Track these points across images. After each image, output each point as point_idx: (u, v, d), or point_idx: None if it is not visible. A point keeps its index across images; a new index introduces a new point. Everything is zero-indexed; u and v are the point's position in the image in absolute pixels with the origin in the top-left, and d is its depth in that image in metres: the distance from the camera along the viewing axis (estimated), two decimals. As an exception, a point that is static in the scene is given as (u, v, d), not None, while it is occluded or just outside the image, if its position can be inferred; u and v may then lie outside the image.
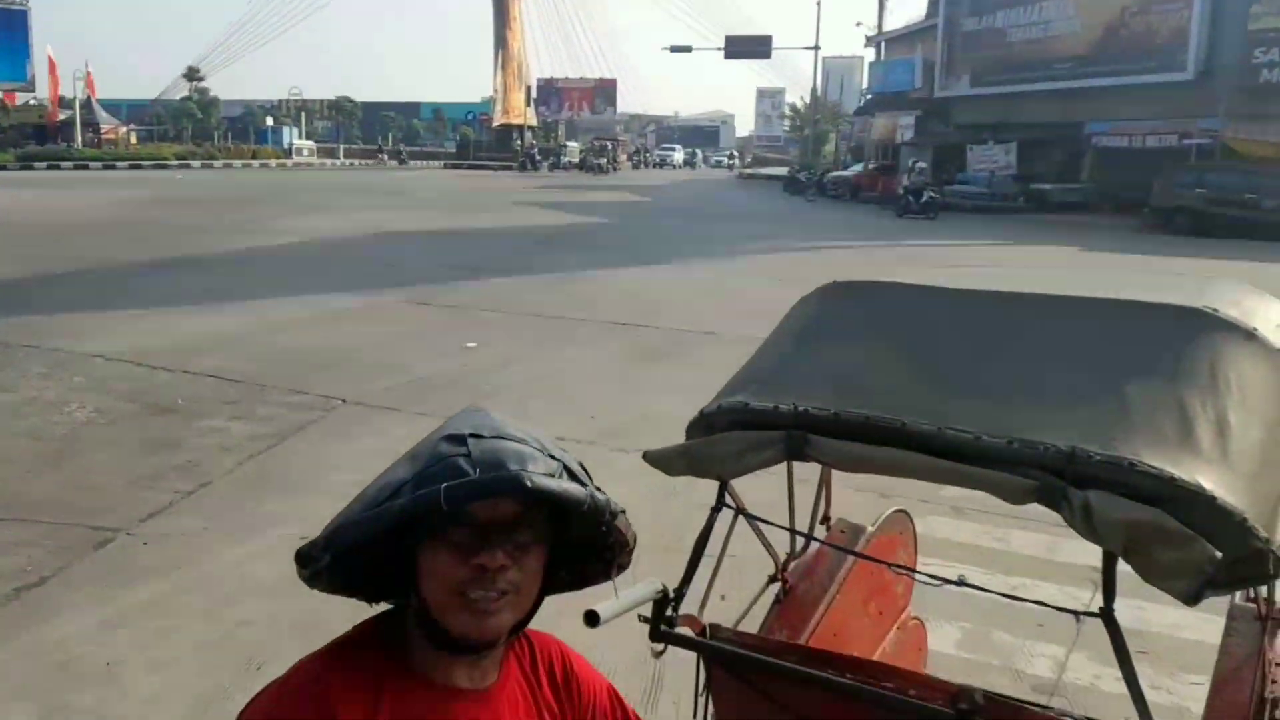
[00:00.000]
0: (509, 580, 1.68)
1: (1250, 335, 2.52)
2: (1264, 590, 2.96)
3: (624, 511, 1.83)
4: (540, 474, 1.64)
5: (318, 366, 11.46)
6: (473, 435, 1.68)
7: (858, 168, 51.80)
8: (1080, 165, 43.21)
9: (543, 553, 1.76)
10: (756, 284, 17.66)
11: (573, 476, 1.72)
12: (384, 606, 1.85)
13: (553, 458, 1.70)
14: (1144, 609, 5.51)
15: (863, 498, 3.48)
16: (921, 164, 40.32)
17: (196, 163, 55.07)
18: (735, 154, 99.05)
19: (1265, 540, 2.11)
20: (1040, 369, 2.51)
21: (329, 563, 1.68)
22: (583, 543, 1.86)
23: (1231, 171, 33.69)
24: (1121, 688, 2.19)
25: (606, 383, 10.80)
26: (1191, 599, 2.04)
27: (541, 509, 1.70)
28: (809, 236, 28.04)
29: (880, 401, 2.46)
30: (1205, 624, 2.87)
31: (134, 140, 66.37)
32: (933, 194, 36.91)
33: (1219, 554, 2.02)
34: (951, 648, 5.28)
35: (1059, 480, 2.15)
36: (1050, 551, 6.65)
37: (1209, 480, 2.13)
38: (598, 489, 1.75)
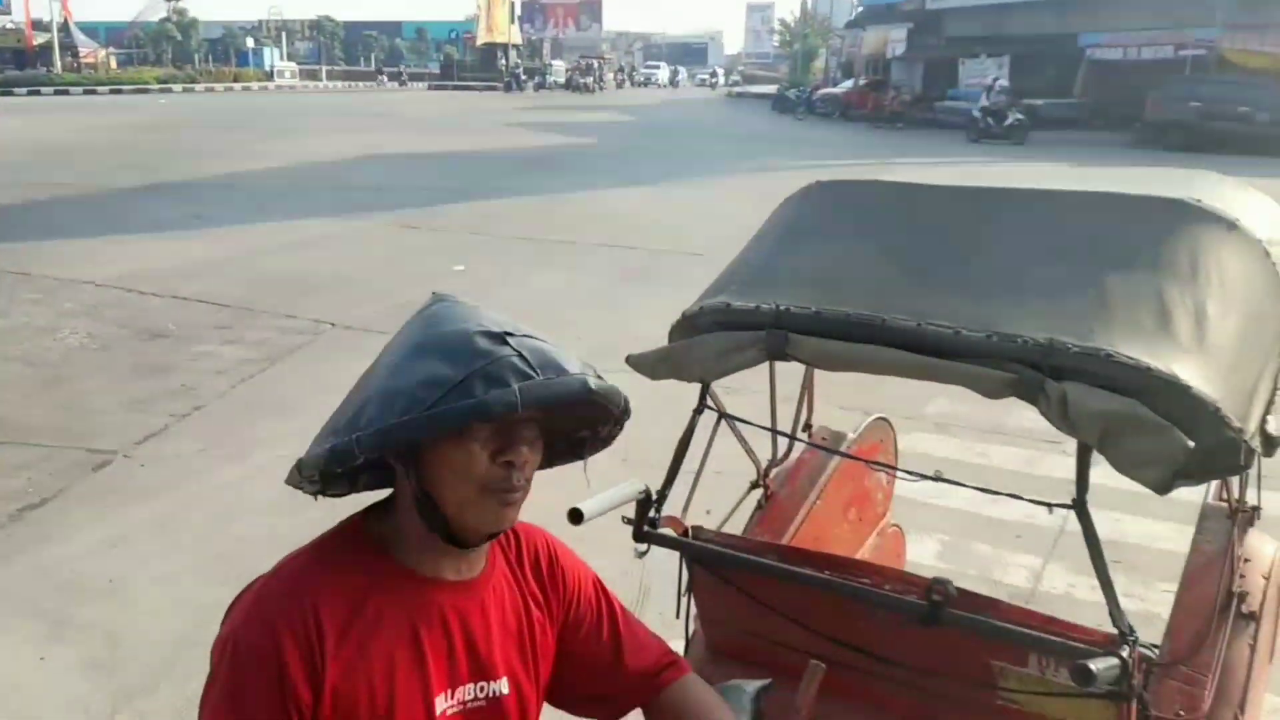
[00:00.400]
0: (526, 475, 1.71)
1: (1232, 226, 2.52)
2: (1235, 487, 2.99)
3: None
4: (593, 377, 1.68)
5: (306, 290, 11.52)
6: (507, 334, 1.66)
7: (847, 84, 51.00)
8: (1073, 80, 42.75)
9: (541, 445, 1.77)
10: (743, 204, 17.18)
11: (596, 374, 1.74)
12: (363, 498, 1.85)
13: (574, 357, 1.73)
14: (1121, 520, 5.68)
15: (846, 415, 3.56)
16: (1002, 81, 38.57)
17: (178, 87, 54.46)
18: (718, 71, 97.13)
19: (1238, 430, 2.14)
20: (1021, 263, 2.50)
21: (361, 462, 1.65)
22: (559, 428, 1.89)
23: (1226, 84, 33.29)
24: (1095, 595, 2.24)
25: (593, 304, 10.83)
26: (1163, 488, 2.08)
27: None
28: (796, 156, 27.91)
29: (861, 299, 2.45)
30: (1180, 534, 2.96)
31: (114, 64, 65.55)
32: (1019, 116, 34.63)
33: (1192, 444, 2.04)
34: (930, 558, 5.40)
35: (1036, 373, 2.16)
36: (1030, 465, 6.78)
37: (1185, 370, 2.13)
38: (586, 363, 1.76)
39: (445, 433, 1.61)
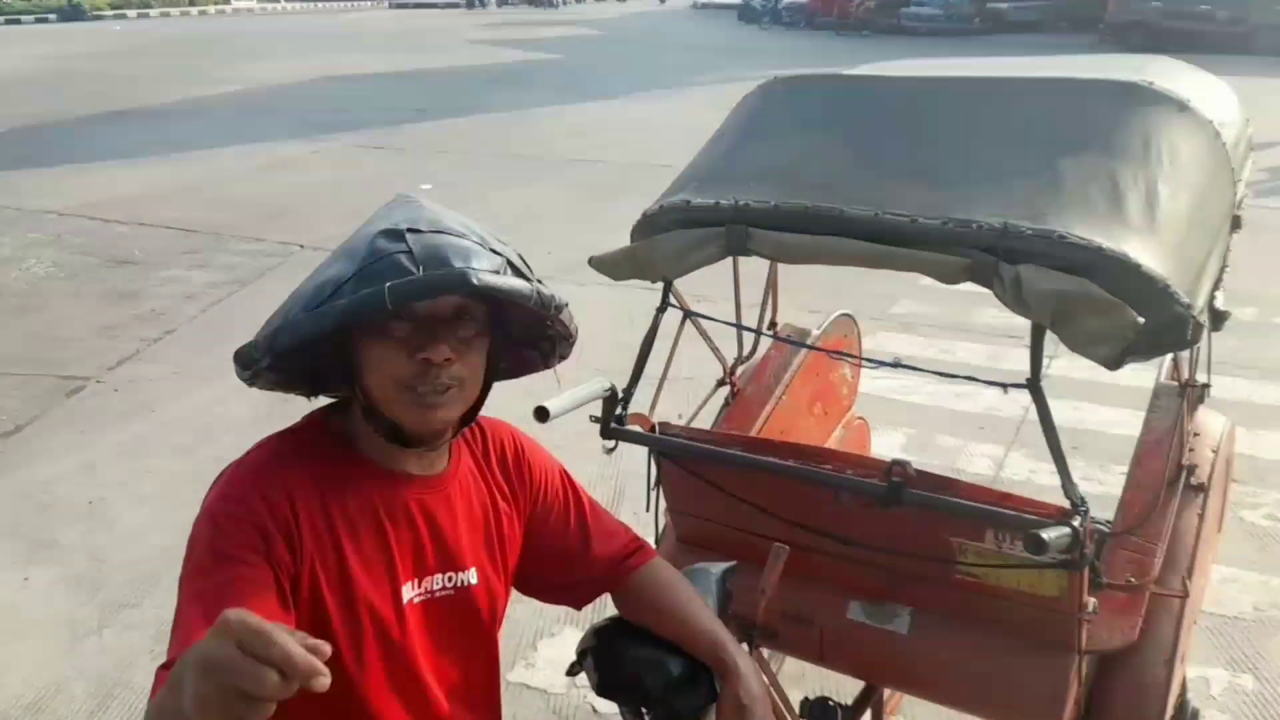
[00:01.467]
0: (452, 374, 1.70)
1: (1184, 107, 2.55)
2: (1185, 366, 3.05)
3: (567, 305, 1.84)
4: (485, 270, 1.63)
5: (273, 213, 11.46)
6: (411, 230, 1.67)
7: (813, -9, 50.47)
8: (1038, -18, 42.48)
9: (485, 344, 1.77)
10: (708, 115, 17.06)
11: (516, 271, 1.72)
12: (323, 401, 1.88)
13: (495, 252, 1.70)
14: (1079, 408, 5.80)
15: (813, 317, 3.61)
16: None
17: (132, 12, 53.53)
18: None
19: (1186, 306, 2.17)
20: (977, 150, 2.52)
21: (269, 363, 1.69)
22: (523, 331, 1.91)
23: (1187, -17, 33.37)
24: (1055, 479, 2.30)
25: (562, 219, 10.80)
26: (1114, 364, 2.12)
27: (483, 302, 1.72)
28: (761, 66, 27.57)
29: (819, 191, 2.46)
30: (1136, 420, 3.03)
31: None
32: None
33: (1141, 320, 2.08)
34: (896, 450, 5.48)
35: (991, 256, 2.19)
36: (993, 360, 6.90)
37: (1135, 248, 2.17)
38: (539, 282, 1.76)
39: (320, 334, 1.62)
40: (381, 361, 1.67)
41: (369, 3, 68.10)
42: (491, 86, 23.92)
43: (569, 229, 10.11)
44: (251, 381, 1.75)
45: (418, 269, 1.60)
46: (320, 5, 64.72)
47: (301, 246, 9.93)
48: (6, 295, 8.86)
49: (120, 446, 6.01)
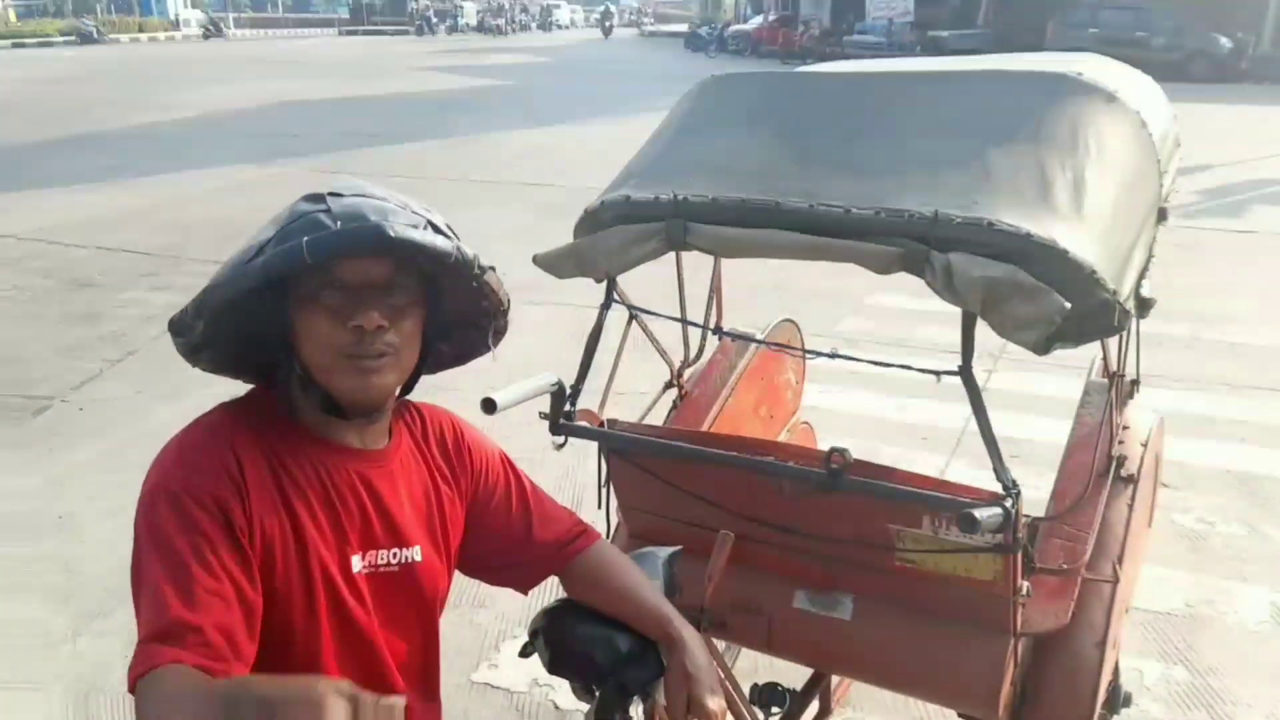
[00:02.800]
0: (386, 342, 1.70)
1: (1111, 98, 2.60)
2: (1114, 359, 3.12)
3: (494, 268, 1.83)
4: (402, 225, 1.64)
5: (230, 236, 11.17)
6: (332, 194, 1.69)
7: (758, 20, 50.75)
8: (977, 11, 42.79)
9: (419, 316, 1.78)
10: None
11: (437, 230, 1.73)
12: None
13: (415, 213, 1.72)
14: (1019, 419, 5.99)
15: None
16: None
17: (82, 39, 53.10)
18: (611, 10, 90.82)
19: (1113, 293, 2.23)
20: (910, 141, 2.55)
21: (204, 330, 1.70)
22: (459, 311, 1.92)
23: (1123, 10, 33.42)
24: (995, 486, 2.36)
25: (516, 240, 10.59)
26: (1041, 349, 2.20)
27: (414, 272, 1.74)
28: (711, 91, 27.71)
29: (756, 185, 2.50)
30: None
31: (13, 17, 63.62)
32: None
33: (1069, 305, 2.12)
34: (841, 459, 5.58)
35: (923, 245, 2.22)
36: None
37: (1063, 236, 2.21)
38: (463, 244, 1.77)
39: (245, 293, 1.63)
40: (315, 330, 1.69)
41: (319, 30, 67.73)
42: (444, 112, 23.92)
43: (522, 250, 9.86)
44: (193, 358, 1.79)
45: (335, 225, 1.62)
46: (271, 31, 64.29)
47: None
48: (-34, 319, 8.86)
49: (88, 463, 6.09)
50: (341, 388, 1.74)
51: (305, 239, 1.60)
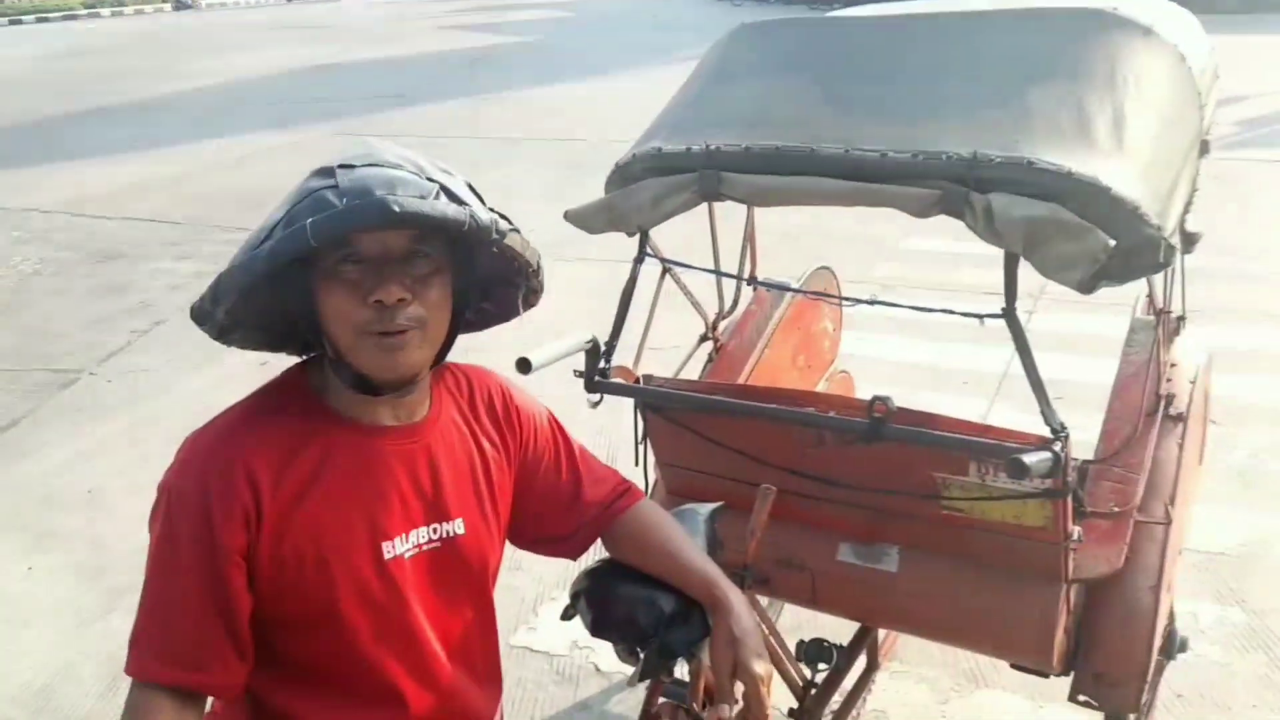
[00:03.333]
0: (409, 315, 1.65)
1: (1148, 32, 2.57)
2: (1160, 296, 3.08)
3: (517, 230, 1.76)
4: (409, 197, 1.57)
5: (256, 203, 11.23)
6: (342, 166, 1.63)
7: (784, -34, 50.13)
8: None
9: (445, 283, 1.72)
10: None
11: (452, 196, 1.65)
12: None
13: (430, 180, 1.64)
14: (1064, 360, 5.84)
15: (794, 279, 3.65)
16: None
17: (106, 11, 53.12)
18: None
19: (1157, 229, 2.22)
20: (945, 83, 2.55)
21: (224, 318, 1.66)
22: (494, 270, 1.85)
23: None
24: (1039, 428, 2.32)
25: (544, 196, 10.63)
26: (1086, 288, 2.17)
27: (438, 238, 1.67)
28: (736, 39, 27.54)
29: (789, 132, 2.49)
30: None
31: (38, -8, 63.85)
32: None
33: (1113, 243, 2.12)
34: (881, 406, 5.50)
35: (961, 187, 2.22)
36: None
37: (1105, 173, 2.20)
38: (492, 209, 1.71)
39: (259, 279, 1.58)
40: (338, 307, 1.64)
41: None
42: (467, 70, 23.79)
43: (549, 207, 9.89)
44: (223, 339, 1.74)
45: (341, 202, 1.56)
46: (291, -3, 64.26)
47: None
48: (-4, 292, 8.87)
49: (116, 436, 6.06)
50: (368, 366, 1.68)
51: (309, 221, 1.54)
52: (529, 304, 1.96)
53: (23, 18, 47.45)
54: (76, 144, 15.76)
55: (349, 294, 1.63)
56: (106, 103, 20.21)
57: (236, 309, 1.65)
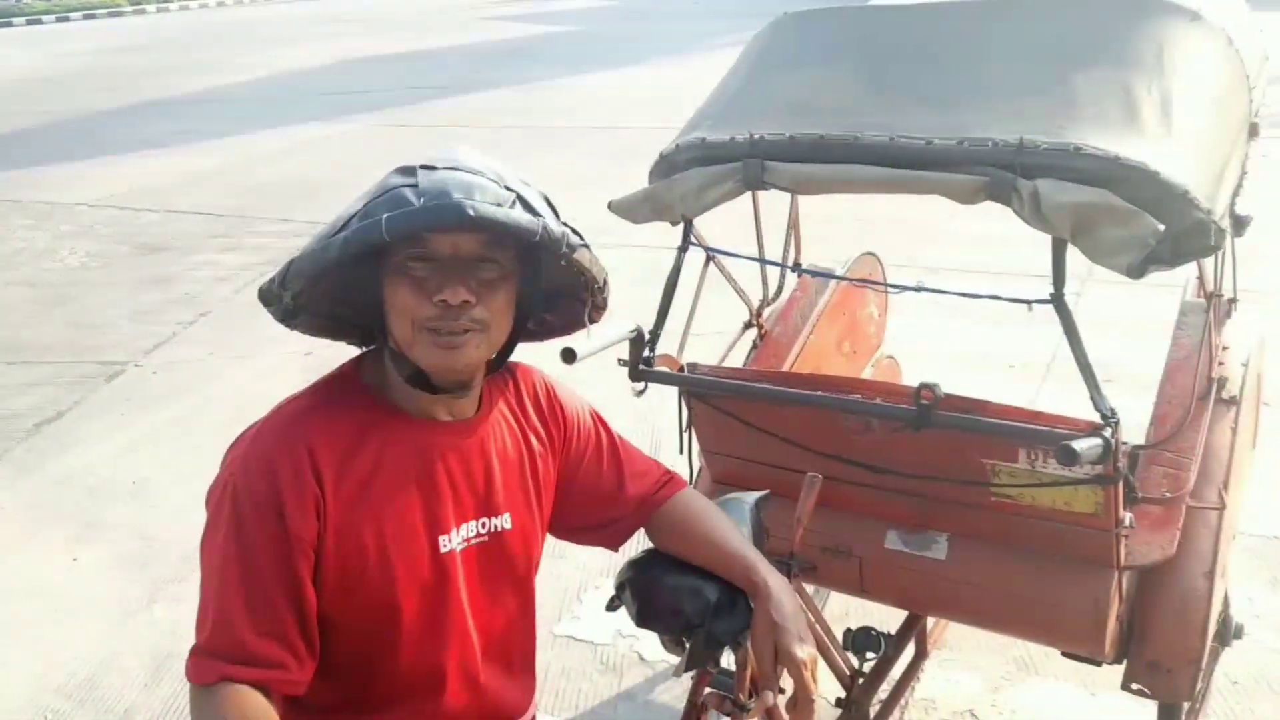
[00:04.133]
0: (473, 317, 1.68)
1: (1195, 16, 2.54)
2: (1210, 278, 3.05)
3: (588, 245, 1.80)
4: (485, 203, 1.60)
5: (300, 195, 11.46)
6: (424, 166, 1.66)
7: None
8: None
9: (512, 290, 1.75)
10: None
11: (527, 207, 1.68)
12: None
13: (508, 189, 1.67)
14: (1114, 342, 5.77)
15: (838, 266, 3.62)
16: None
17: (152, 7, 53.60)
18: None
19: (1207, 212, 2.20)
20: (989, 69, 2.54)
21: (290, 301, 1.69)
22: (561, 282, 1.89)
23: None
24: (1087, 412, 2.29)
25: (588, 183, 10.56)
26: (1136, 273, 2.14)
27: (508, 245, 1.70)
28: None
29: (834, 120, 2.48)
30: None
31: (85, -11, 64.48)
32: None
33: (1162, 227, 2.11)
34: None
35: (1008, 173, 2.21)
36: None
37: (1153, 157, 2.19)
38: (564, 223, 1.73)
39: (329, 268, 1.62)
40: (403, 302, 1.67)
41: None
42: (512, 60, 23.85)
43: (596, 194, 9.92)
44: (288, 322, 1.76)
45: (419, 201, 1.60)
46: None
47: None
48: (43, 286, 8.95)
49: (161, 428, 6.09)
50: (425, 361, 1.71)
51: (385, 216, 1.58)
52: (592, 319, 1.99)
53: (69, 14, 47.94)
54: (124, 138, 15.90)
55: (415, 290, 1.66)
56: (153, 97, 20.40)
57: (304, 294, 1.69)
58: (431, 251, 1.65)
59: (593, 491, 2.09)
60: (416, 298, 1.66)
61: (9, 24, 46.81)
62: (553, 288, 1.90)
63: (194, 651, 1.63)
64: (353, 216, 1.63)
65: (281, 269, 1.67)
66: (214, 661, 1.60)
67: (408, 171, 1.67)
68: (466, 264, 1.67)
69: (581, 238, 1.77)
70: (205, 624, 1.64)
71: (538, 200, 1.73)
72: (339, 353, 1.91)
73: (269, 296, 1.71)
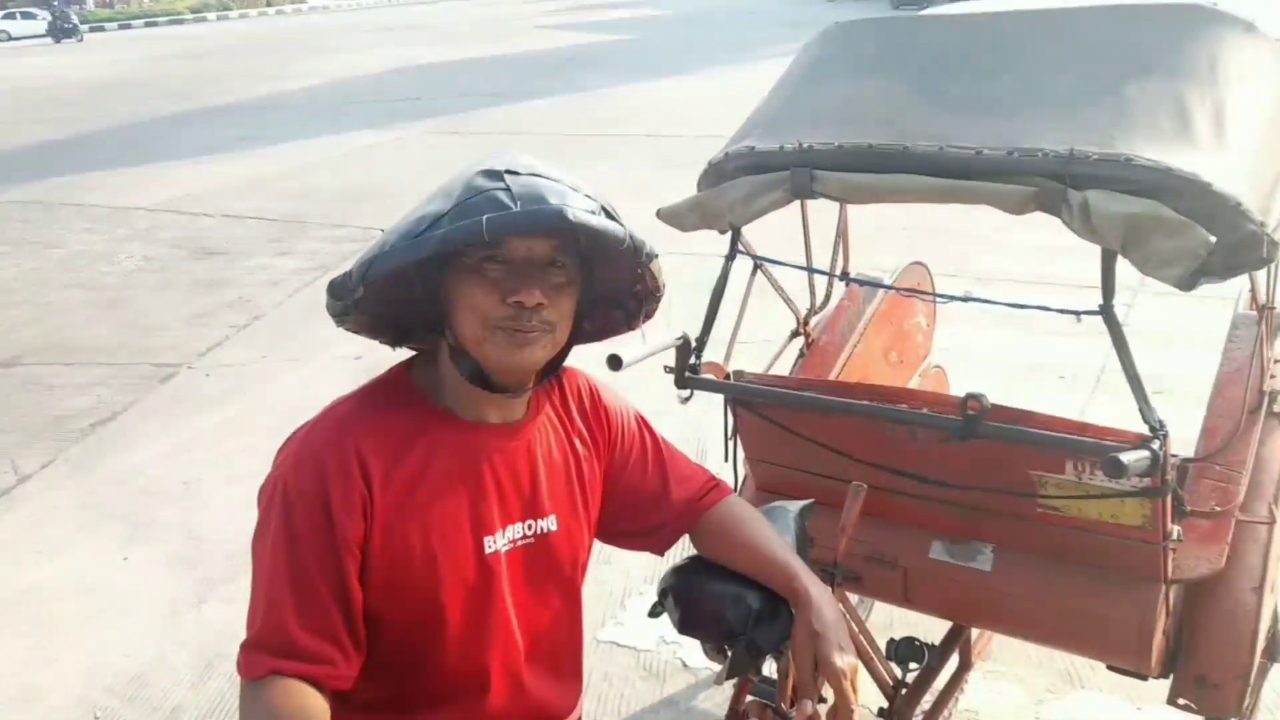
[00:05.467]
0: (543, 318, 1.70)
1: (1250, 27, 2.51)
2: (1262, 291, 3.01)
3: (659, 256, 1.83)
4: (580, 209, 1.63)
5: (354, 200, 11.61)
6: (509, 171, 1.66)
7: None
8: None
9: (575, 295, 1.77)
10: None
11: (609, 215, 1.71)
12: (405, 353, 1.90)
13: (589, 197, 1.70)
14: (1162, 354, 5.73)
15: (885, 276, 3.60)
16: None
17: (212, 15, 54.29)
18: None
19: (1260, 224, 2.17)
20: (1040, 80, 2.51)
21: (361, 294, 1.68)
22: (608, 291, 1.90)
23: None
24: (1138, 423, 2.27)
25: (637, 192, 10.62)
26: (1187, 285, 2.12)
27: (573, 252, 1.72)
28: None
29: (883, 130, 2.47)
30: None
31: (146, -2, 65.39)
32: None
33: (1214, 239, 2.08)
34: (975, 400, 5.42)
35: (1058, 184, 2.19)
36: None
37: (1205, 168, 2.15)
38: (632, 234, 1.75)
39: (413, 265, 1.63)
40: (474, 301, 1.68)
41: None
42: (564, 68, 23.97)
43: (646, 202, 9.98)
44: (341, 318, 1.77)
45: (516, 204, 1.61)
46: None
47: (382, 231, 9.78)
48: (100, 289, 9.08)
49: (213, 429, 6.15)
50: (493, 358, 1.72)
51: (485, 217, 1.59)
52: (632, 326, 2.03)
53: (131, 22, 48.60)
54: (182, 144, 16.14)
55: (489, 291, 1.67)
56: (211, 103, 20.68)
57: (374, 291, 1.69)
58: (507, 254, 1.67)
59: (637, 495, 2.08)
60: (490, 299, 1.67)
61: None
62: (595, 296, 1.91)
63: (244, 647, 1.64)
64: (442, 215, 1.63)
65: (360, 264, 1.68)
66: (263, 656, 1.61)
67: (493, 175, 1.67)
68: (539, 267, 1.69)
69: (654, 248, 1.80)
70: (255, 620, 1.65)
71: (611, 208, 1.75)
72: (388, 357, 1.93)
73: (341, 290, 1.72)
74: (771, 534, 2.06)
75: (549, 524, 1.90)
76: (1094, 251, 2.25)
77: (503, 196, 1.62)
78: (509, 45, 30.25)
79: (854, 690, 1.87)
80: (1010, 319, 6.43)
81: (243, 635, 1.67)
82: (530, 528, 1.87)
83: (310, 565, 1.65)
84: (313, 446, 1.70)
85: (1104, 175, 2.18)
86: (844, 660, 1.87)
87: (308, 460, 1.69)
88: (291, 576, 1.65)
